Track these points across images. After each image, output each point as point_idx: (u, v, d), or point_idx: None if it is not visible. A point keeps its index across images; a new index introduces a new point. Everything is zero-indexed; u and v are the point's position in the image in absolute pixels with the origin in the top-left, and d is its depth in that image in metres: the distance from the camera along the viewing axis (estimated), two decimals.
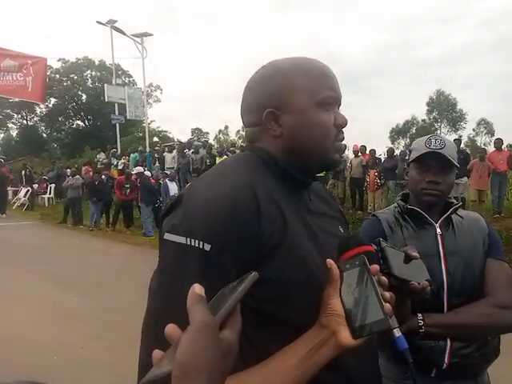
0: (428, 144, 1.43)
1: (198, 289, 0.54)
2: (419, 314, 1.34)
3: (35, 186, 17.97)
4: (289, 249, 0.80)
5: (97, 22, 17.97)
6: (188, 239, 0.75)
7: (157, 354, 0.54)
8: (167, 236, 0.78)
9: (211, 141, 41.37)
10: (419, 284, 0.95)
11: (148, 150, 16.20)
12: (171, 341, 0.53)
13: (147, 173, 12.54)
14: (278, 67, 0.92)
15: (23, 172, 18.40)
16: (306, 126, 0.88)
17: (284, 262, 0.78)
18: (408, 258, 0.97)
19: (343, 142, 0.95)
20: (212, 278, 0.73)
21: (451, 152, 1.42)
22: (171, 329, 0.54)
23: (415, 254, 0.98)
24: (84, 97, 36.52)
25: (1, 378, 0.45)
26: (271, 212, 0.80)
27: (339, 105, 0.94)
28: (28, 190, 17.25)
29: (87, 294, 5.82)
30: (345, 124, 0.92)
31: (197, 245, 0.74)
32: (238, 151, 12.91)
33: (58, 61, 34.16)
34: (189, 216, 0.77)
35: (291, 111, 0.88)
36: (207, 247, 0.74)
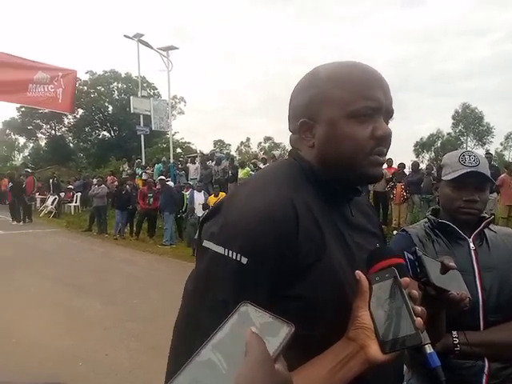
0: (462, 161, 1.39)
1: (254, 329, 0.55)
2: (454, 332, 1.30)
3: (62, 194, 18.41)
4: (325, 268, 0.78)
5: (124, 35, 18.50)
6: (226, 250, 0.76)
7: None
8: (206, 243, 0.80)
9: (233, 152, 41.71)
10: (458, 294, 0.92)
11: (172, 160, 16.41)
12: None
13: (170, 183, 12.70)
14: (315, 75, 0.89)
15: (51, 180, 18.85)
16: (334, 138, 0.84)
17: (318, 281, 0.77)
18: (445, 268, 0.94)
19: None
20: (245, 289, 0.73)
21: (486, 168, 1.39)
22: None
23: (452, 264, 0.95)
24: (110, 108, 37.48)
25: (30, 380, 0.46)
26: (310, 229, 0.79)
27: (389, 114, 0.87)
28: (55, 198, 17.69)
29: (110, 301, 5.88)
30: (385, 135, 0.84)
31: (234, 257, 0.75)
32: (260, 163, 12.95)
33: (86, 73, 35.46)
34: (228, 226, 0.78)
35: (322, 122, 0.85)
36: (244, 260, 0.74)
